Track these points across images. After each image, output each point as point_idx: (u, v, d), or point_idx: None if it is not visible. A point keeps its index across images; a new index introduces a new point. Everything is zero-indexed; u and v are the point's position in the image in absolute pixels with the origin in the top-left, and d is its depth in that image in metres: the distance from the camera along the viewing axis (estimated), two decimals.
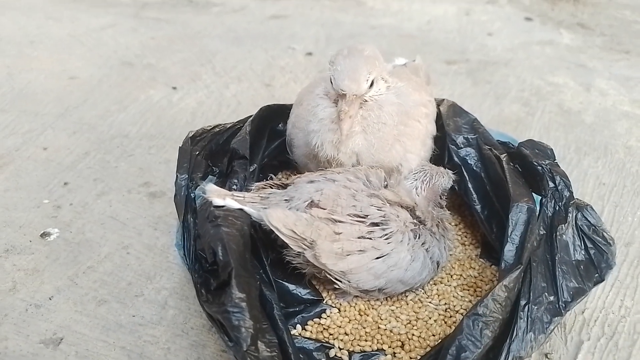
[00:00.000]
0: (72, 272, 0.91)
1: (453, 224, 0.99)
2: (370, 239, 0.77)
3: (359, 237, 0.76)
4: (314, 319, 0.81)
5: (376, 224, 0.78)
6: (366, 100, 0.85)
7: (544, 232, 0.79)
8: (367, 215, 0.78)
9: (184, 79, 1.60)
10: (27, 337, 0.80)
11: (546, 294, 0.74)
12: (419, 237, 0.81)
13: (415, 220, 0.82)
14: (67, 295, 0.87)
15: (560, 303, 0.74)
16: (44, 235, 0.98)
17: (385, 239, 0.77)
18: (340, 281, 0.77)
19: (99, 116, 1.38)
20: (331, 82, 0.84)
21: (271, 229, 0.74)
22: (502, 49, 1.94)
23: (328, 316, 0.81)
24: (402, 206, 0.81)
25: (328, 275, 0.77)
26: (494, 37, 2.05)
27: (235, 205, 0.78)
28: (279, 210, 0.75)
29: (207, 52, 1.79)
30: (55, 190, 1.10)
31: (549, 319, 0.72)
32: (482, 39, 2.03)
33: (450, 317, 0.82)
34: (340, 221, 0.76)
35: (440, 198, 0.90)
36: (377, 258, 0.77)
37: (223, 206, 0.77)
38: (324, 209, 0.77)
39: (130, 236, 0.99)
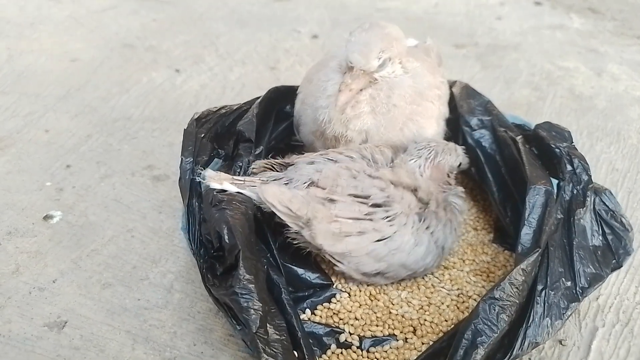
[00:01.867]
0: (76, 255, 0.89)
1: (465, 204, 0.96)
2: (371, 220, 0.75)
3: (358, 218, 0.74)
4: (324, 304, 0.79)
5: (378, 205, 0.76)
6: (376, 80, 0.81)
7: (562, 216, 0.77)
8: (369, 196, 0.76)
9: (186, 61, 1.57)
10: (30, 320, 0.78)
11: (563, 279, 0.72)
12: (423, 221, 0.78)
13: (420, 203, 0.79)
14: (70, 279, 0.85)
15: (577, 289, 0.72)
16: (47, 218, 0.96)
17: (388, 221, 0.75)
18: (341, 262, 0.75)
19: (101, 98, 1.35)
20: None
21: (270, 209, 0.73)
22: (511, 33, 1.90)
23: (338, 301, 0.79)
24: (406, 187, 0.79)
25: (327, 257, 0.75)
26: (502, 21, 2.01)
27: (233, 189, 0.76)
28: (274, 186, 0.74)
29: (210, 35, 1.75)
30: (57, 173, 1.08)
31: (566, 305, 0.70)
32: (491, 22, 1.99)
33: (463, 302, 0.80)
34: (339, 201, 0.74)
35: (448, 176, 0.86)
36: (378, 240, 0.75)
37: (225, 190, 0.75)
38: (323, 189, 0.75)
39: (135, 219, 0.97)
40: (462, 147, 0.91)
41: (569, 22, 2.00)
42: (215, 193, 0.75)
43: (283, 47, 1.70)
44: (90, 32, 1.72)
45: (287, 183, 0.78)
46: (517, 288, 0.68)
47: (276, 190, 0.73)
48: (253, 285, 0.64)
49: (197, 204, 0.79)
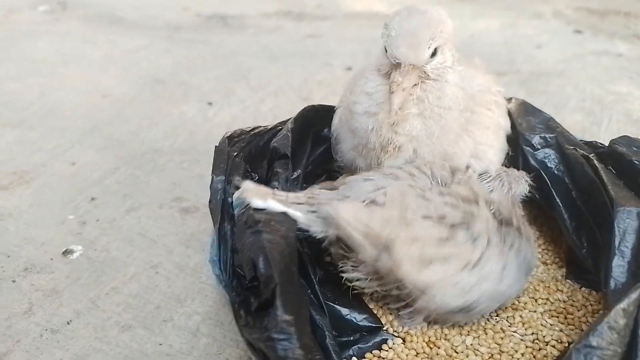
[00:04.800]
0: (94, 294, 0.81)
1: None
2: (454, 244, 0.63)
3: (439, 241, 0.63)
4: (373, 351, 0.67)
5: (456, 226, 0.64)
6: (427, 75, 0.71)
7: None
8: (444, 216, 0.64)
9: (218, 94, 1.53)
10: None
11: None
12: (506, 239, 0.67)
13: (498, 219, 0.68)
14: (87, 320, 0.76)
15: None
16: (66, 252, 0.89)
17: (471, 244, 0.63)
18: (420, 298, 0.63)
19: (130, 132, 1.31)
20: (385, 51, 0.71)
21: (324, 234, 0.62)
22: (553, 60, 1.82)
23: (390, 348, 0.67)
24: (479, 203, 0.67)
25: (402, 292, 0.63)
26: (543, 49, 1.94)
27: (278, 207, 0.65)
28: (348, 203, 0.63)
29: (241, 69, 1.72)
30: (81, 206, 1.01)
31: None
32: (531, 51, 1.92)
33: (540, 349, 0.67)
34: (414, 223, 0.63)
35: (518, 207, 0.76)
36: (464, 268, 0.63)
37: (264, 209, 0.65)
38: (394, 210, 0.63)
39: (160, 254, 0.89)
40: (523, 172, 0.80)
41: (613, 48, 1.92)
42: (251, 212, 0.65)
43: (316, 79, 1.65)
44: (123, 70, 1.71)
45: (341, 200, 0.67)
46: (617, 333, 0.55)
47: (351, 207, 0.61)
48: (293, 329, 0.53)
49: (229, 227, 0.69)
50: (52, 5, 2.39)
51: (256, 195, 0.65)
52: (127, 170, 1.13)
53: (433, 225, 0.63)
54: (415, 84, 0.71)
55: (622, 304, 0.56)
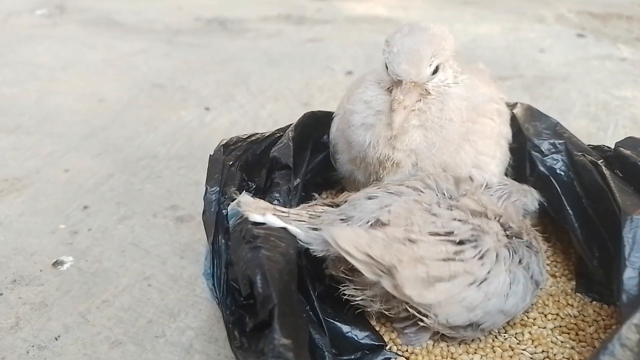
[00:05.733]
0: (84, 307, 0.77)
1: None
2: (462, 260, 0.60)
3: (446, 259, 0.59)
4: None
5: (464, 242, 0.61)
6: (428, 92, 0.69)
7: None
8: (452, 232, 0.61)
9: (217, 99, 1.50)
10: None
11: None
12: (514, 254, 0.64)
13: (508, 233, 0.64)
14: (75, 335, 0.73)
15: None
16: (57, 264, 0.86)
17: (479, 260, 0.60)
18: (426, 316, 0.60)
19: (127, 137, 1.28)
20: (386, 67, 0.69)
21: (324, 253, 0.59)
22: (557, 64, 1.80)
23: None
24: (489, 217, 0.64)
25: (409, 310, 0.60)
26: (546, 53, 1.91)
27: (277, 223, 0.63)
28: (347, 229, 0.59)
29: (241, 74, 1.69)
30: (73, 215, 0.98)
31: None
32: (534, 55, 1.89)
33: None
34: (420, 241, 0.60)
35: (522, 221, 0.73)
36: (471, 284, 0.60)
37: (263, 224, 0.62)
38: (398, 228, 0.61)
39: (153, 265, 0.86)
40: (531, 178, 0.77)
41: (617, 52, 1.89)
42: (249, 226, 0.62)
43: (316, 83, 1.62)
44: (121, 74, 1.68)
45: (345, 220, 0.64)
46: (630, 350, 0.52)
47: (350, 234, 0.58)
48: (292, 354, 0.50)
49: (223, 241, 0.66)
50: (50, 9, 2.37)
51: (255, 210, 0.62)
52: (121, 177, 1.11)
53: (440, 242, 0.60)
54: (417, 101, 0.69)
55: (635, 319, 0.53)
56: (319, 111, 0.89)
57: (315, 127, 0.86)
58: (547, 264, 0.80)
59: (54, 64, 1.76)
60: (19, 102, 1.47)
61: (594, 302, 0.73)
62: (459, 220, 0.62)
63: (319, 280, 0.69)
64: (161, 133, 1.30)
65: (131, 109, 1.44)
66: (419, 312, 0.60)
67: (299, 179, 0.78)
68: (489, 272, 0.60)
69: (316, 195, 0.85)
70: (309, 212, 0.66)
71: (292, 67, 1.75)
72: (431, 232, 0.61)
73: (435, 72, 0.69)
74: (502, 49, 1.96)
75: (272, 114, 1.42)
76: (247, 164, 0.77)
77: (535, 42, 2.02)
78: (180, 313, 0.77)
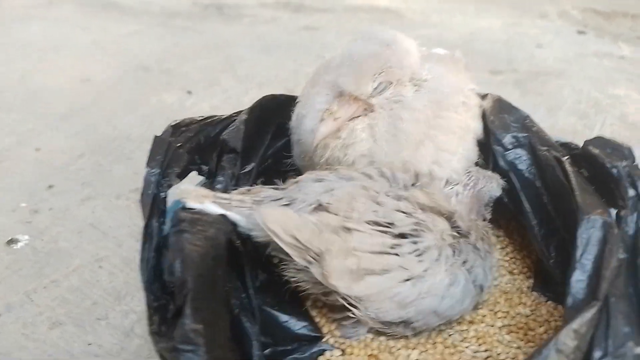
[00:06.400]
0: (32, 287, 0.77)
1: (498, 246, 0.78)
2: (397, 254, 0.57)
3: (381, 252, 0.57)
4: None
5: (404, 236, 0.59)
6: (372, 106, 0.65)
7: (625, 255, 0.58)
8: (393, 224, 0.59)
9: (201, 84, 1.48)
10: None
11: (631, 342, 0.52)
12: (459, 254, 0.61)
13: (454, 232, 0.62)
14: (17, 314, 0.72)
15: None
16: (11, 242, 0.85)
17: (417, 256, 0.58)
18: (356, 308, 0.57)
19: (104, 118, 1.27)
20: None
21: (266, 238, 0.57)
22: (553, 60, 1.75)
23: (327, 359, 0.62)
24: (437, 213, 0.62)
25: (340, 300, 0.58)
26: (544, 48, 1.86)
27: (217, 210, 0.61)
28: (277, 210, 0.58)
29: (231, 59, 1.68)
30: (37, 194, 0.98)
31: None
32: (532, 50, 1.84)
33: None
34: (356, 230, 0.57)
35: (485, 209, 0.70)
36: (406, 280, 0.57)
37: (201, 211, 0.60)
38: (336, 215, 0.58)
39: (108, 247, 0.85)
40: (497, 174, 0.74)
41: (617, 50, 1.84)
42: (182, 213, 0.60)
43: (306, 71, 1.60)
44: (110, 56, 1.68)
45: (289, 203, 0.62)
46: (566, 357, 0.49)
47: (280, 215, 0.56)
48: (202, 339, 0.48)
49: (157, 225, 0.65)
50: None
51: (194, 199, 0.60)
52: (92, 157, 1.10)
53: (378, 234, 0.57)
54: (354, 116, 0.65)
55: (574, 324, 0.50)
56: (281, 95, 0.87)
57: (277, 111, 0.84)
58: (506, 261, 0.77)
59: (46, 45, 1.76)
60: (4, 81, 1.47)
61: (549, 302, 0.70)
62: (403, 212, 0.59)
63: (262, 269, 0.68)
64: (140, 115, 1.29)
65: (114, 90, 1.43)
66: (350, 304, 0.57)
67: (253, 164, 0.76)
68: (425, 270, 0.58)
69: (280, 182, 0.83)
70: (254, 198, 0.64)
71: (285, 55, 1.73)
72: (371, 221, 0.58)
73: (381, 89, 0.64)
74: (500, 42, 1.91)
75: (255, 99, 1.40)
76: (199, 146, 0.75)
77: (535, 37, 1.97)
78: (126, 296, 0.76)
